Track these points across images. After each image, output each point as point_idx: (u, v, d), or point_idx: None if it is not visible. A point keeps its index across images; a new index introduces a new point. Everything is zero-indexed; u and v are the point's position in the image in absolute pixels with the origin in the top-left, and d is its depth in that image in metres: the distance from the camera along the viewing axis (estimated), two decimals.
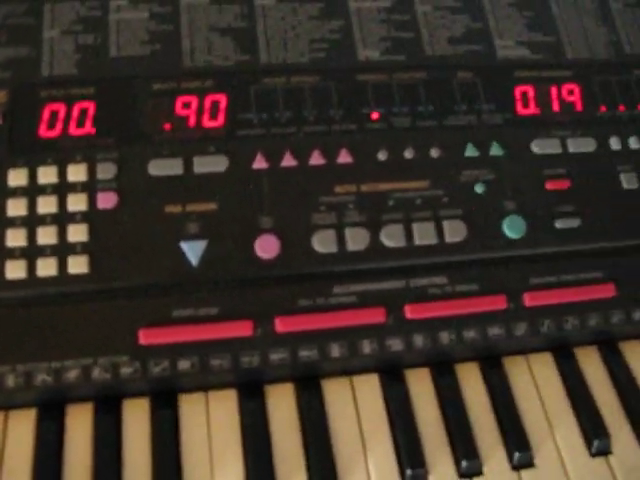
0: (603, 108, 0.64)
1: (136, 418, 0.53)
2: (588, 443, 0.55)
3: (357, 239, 0.56)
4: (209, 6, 0.62)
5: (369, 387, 0.56)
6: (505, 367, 0.58)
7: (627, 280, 0.59)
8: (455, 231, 0.57)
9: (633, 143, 0.63)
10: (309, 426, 0.53)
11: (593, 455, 0.55)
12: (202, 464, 0.51)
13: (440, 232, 0.57)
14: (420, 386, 0.56)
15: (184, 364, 0.52)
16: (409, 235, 0.56)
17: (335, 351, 0.54)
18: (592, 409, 0.56)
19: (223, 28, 0.61)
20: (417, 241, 0.56)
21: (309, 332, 0.54)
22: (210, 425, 0.53)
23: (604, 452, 0.55)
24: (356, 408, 0.55)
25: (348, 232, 0.56)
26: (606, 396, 0.58)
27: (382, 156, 0.58)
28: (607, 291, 0.59)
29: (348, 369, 0.56)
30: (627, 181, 0.61)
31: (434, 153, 0.59)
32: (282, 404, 0.54)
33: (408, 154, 0.59)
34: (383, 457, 0.53)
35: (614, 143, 0.62)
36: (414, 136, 0.59)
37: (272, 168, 0.57)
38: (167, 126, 0.57)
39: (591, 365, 0.59)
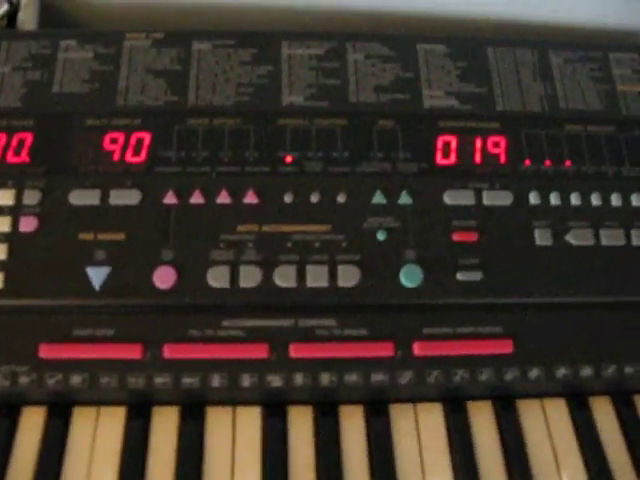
0: (528, 162, 0.63)
1: (31, 425, 0.57)
2: None
3: (250, 276, 0.58)
4: (150, 49, 0.66)
5: (250, 419, 0.58)
6: (390, 413, 0.59)
7: (527, 337, 0.59)
8: (348, 276, 0.59)
9: (554, 199, 0.62)
10: (185, 450, 0.56)
11: None
12: (80, 476, 0.55)
13: (333, 276, 0.59)
14: (300, 423, 0.58)
15: (76, 379, 0.57)
16: (301, 276, 0.58)
17: (216, 381, 0.57)
18: (470, 463, 0.56)
19: (159, 70, 0.65)
20: (309, 283, 0.58)
21: (194, 360, 0.57)
22: (95, 439, 0.57)
23: None
24: (233, 438, 0.57)
25: (242, 269, 0.58)
26: (489, 452, 0.57)
27: (288, 199, 0.61)
28: (505, 347, 0.59)
29: (233, 400, 0.58)
30: (541, 237, 0.61)
31: (341, 198, 0.61)
32: (165, 426, 0.57)
33: (314, 198, 0.61)
34: None
35: (533, 198, 0.62)
36: (323, 181, 0.61)
37: (181, 204, 0.60)
38: (93, 159, 0.62)
39: (482, 419, 0.59)
